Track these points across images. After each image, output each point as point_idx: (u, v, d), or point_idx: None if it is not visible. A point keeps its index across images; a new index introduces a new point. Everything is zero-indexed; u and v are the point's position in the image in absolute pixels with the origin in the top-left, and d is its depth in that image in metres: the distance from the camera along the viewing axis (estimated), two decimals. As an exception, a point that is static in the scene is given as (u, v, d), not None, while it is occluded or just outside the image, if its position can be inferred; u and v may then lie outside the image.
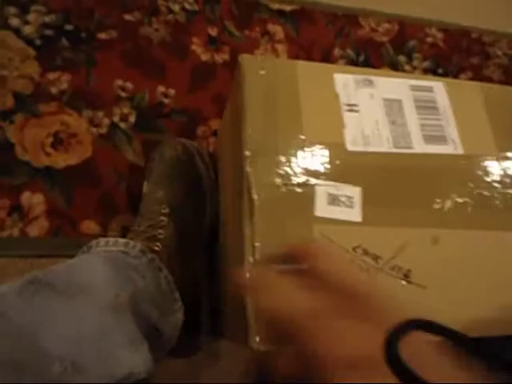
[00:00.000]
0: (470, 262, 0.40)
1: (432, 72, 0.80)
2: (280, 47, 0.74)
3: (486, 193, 0.43)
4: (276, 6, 0.77)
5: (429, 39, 0.83)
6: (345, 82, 0.44)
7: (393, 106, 0.44)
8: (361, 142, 0.41)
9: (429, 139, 0.44)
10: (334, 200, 0.39)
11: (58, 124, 0.59)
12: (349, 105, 0.43)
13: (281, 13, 0.77)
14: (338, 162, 0.40)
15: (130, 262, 0.41)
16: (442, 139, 0.44)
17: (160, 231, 0.47)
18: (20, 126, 0.58)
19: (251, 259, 0.35)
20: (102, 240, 0.43)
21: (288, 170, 0.39)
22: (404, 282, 0.37)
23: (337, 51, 0.77)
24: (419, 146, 0.43)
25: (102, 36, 0.66)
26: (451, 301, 0.38)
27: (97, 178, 0.58)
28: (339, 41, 0.78)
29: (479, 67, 0.84)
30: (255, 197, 0.37)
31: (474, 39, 0.87)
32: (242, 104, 0.41)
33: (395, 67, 0.78)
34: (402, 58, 0.80)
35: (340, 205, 0.39)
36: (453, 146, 0.44)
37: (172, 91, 0.66)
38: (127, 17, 0.69)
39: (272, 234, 0.36)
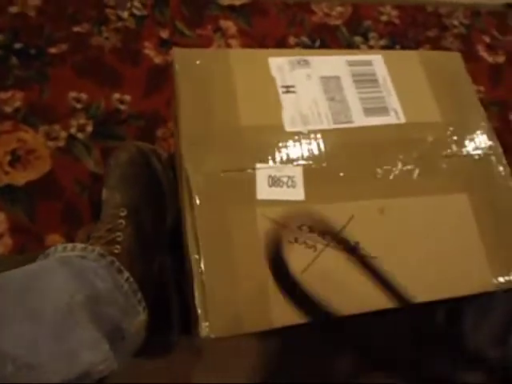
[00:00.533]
0: (417, 228, 0.40)
1: (389, 48, 0.80)
2: (233, 42, 0.74)
3: (430, 158, 0.43)
4: (226, 2, 0.77)
5: (383, 17, 0.83)
6: (280, 64, 0.44)
7: (330, 83, 0.44)
8: (299, 122, 0.41)
9: (369, 112, 0.44)
10: (275, 181, 0.39)
11: (14, 142, 0.59)
12: (285, 86, 0.43)
13: (232, 8, 0.77)
14: (277, 144, 0.40)
15: (87, 266, 0.41)
16: (383, 110, 0.44)
17: (119, 234, 0.48)
18: (-24, 147, 0.58)
19: (195, 256, 0.35)
20: (60, 246, 0.44)
21: (226, 156, 0.39)
22: (352, 254, 0.37)
23: (291, 40, 0.77)
24: (360, 120, 0.43)
25: (53, 50, 0.66)
26: (400, 268, 0.38)
27: (58, 191, 0.58)
28: (293, 29, 0.78)
29: (437, 39, 0.84)
30: (193, 187, 0.37)
31: (429, 12, 0.87)
32: (176, 97, 0.41)
33: (351, 48, 0.78)
34: (358, 39, 0.80)
35: (282, 185, 0.39)
36: (395, 116, 0.44)
37: (127, 97, 0.66)
38: (76, 29, 0.69)
39: (214, 223, 0.36)
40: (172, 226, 0.54)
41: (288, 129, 0.41)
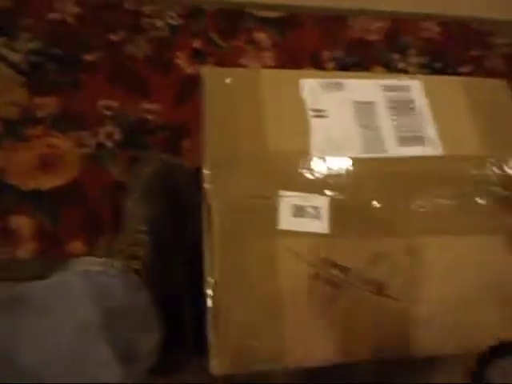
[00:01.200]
0: (451, 269, 0.37)
1: (428, 67, 0.77)
2: (266, 54, 0.73)
3: (468, 195, 0.40)
4: (261, 14, 0.76)
5: (424, 33, 0.80)
6: (311, 86, 0.42)
7: (364, 109, 0.42)
8: (328, 149, 0.40)
9: (404, 141, 0.41)
10: (299, 211, 0.37)
11: (44, 147, 0.60)
12: (315, 110, 0.41)
13: (266, 20, 0.76)
14: (303, 171, 0.38)
15: (107, 282, 0.41)
16: (418, 140, 0.42)
17: (140, 249, 0.47)
18: (7, 150, 0.59)
19: (211, 279, 0.34)
20: (81, 258, 0.44)
21: (250, 181, 0.37)
22: (376, 296, 0.35)
23: (325, 54, 0.75)
24: (393, 149, 0.41)
25: (88, 58, 0.67)
26: (428, 313, 0.35)
27: (83, 198, 0.59)
28: (328, 43, 0.76)
29: (480, 59, 0.80)
30: (214, 210, 0.36)
31: (473, 29, 0.83)
32: (204, 116, 0.40)
33: (388, 66, 0.75)
34: (395, 56, 0.77)
35: (306, 216, 0.37)
36: (431, 147, 0.42)
37: (157, 107, 0.66)
38: (112, 37, 0.69)
39: (232, 250, 0.35)
40: (192, 242, 0.54)
41: (316, 155, 0.39)
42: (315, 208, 0.37)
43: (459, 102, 0.44)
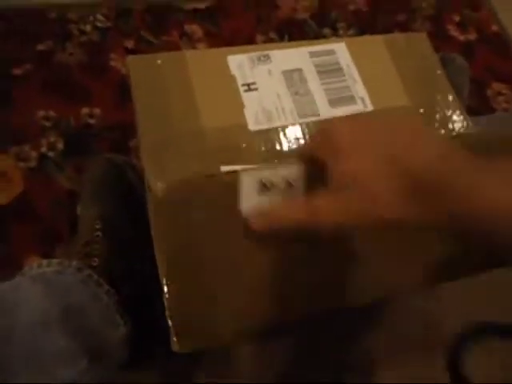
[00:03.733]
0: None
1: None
2: (201, 46, 0.73)
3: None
4: (190, 6, 0.76)
5: (351, 6, 0.83)
6: (240, 62, 0.43)
7: (293, 77, 0.43)
8: (263, 120, 0.41)
9: (335, 102, 0.43)
10: (266, 187, 0.37)
11: (-16, 167, 0.58)
12: (246, 84, 0.42)
13: (196, 11, 0.76)
14: (242, 145, 0.39)
15: (64, 281, 0.41)
16: (349, 100, 0.43)
17: (96, 246, 0.47)
18: None
19: (164, 269, 0.34)
20: (35, 263, 0.43)
21: (189, 161, 0.38)
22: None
23: (259, 38, 0.76)
24: (326, 111, 0.42)
25: (17, 71, 0.65)
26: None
27: (33, 212, 0.57)
28: (260, 27, 0.77)
29: (406, 23, 0.83)
30: (156, 196, 0.36)
31: (396, -3, 0.86)
32: (134, 105, 0.40)
33: (321, 41, 0.77)
34: (326, 31, 0.79)
35: (274, 191, 0.37)
36: (362, 105, 0.43)
37: (97, 110, 0.65)
38: (39, 47, 0.68)
39: (179, 233, 0.35)
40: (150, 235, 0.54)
41: (252, 128, 0.40)
42: (286, 181, 0.34)
43: (383, 57, 0.46)
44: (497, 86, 0.81)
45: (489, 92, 0.80)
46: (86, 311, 0.39)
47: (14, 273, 0.54)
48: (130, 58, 0.41)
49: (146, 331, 0.47)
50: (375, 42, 0.48)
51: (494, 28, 0.87)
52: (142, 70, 0.41)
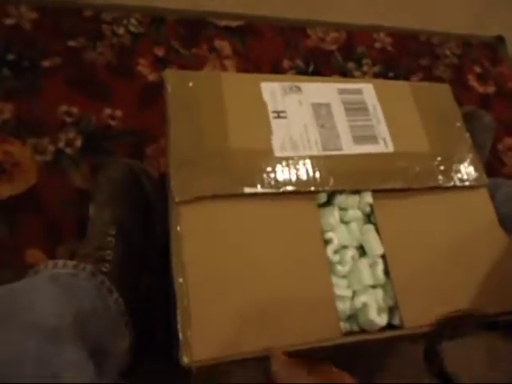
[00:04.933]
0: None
1: (382, 76, 0.81)
2: (228, 63, 0.75)
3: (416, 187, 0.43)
4: (223, 23, 0.78)
5: (377, 44, 0.85)
6: (272, 89, 0.44)
7: (321, 110, 0.44)
8: (289, 147, 0.41)
9: (358, 140, 0.44)
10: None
11: (0, 154, 0.58)
12: (276, 112, 0.43)
13: (227, 29, 0.77)
14: (266, 169, 0.40)
15: (78, 285, 0.41)
16: (372, 139, 0.44)
17: (108, 252, 0.47)
18: (-39, 158, 0.57)
19: (181, 280, 0.34)
20: (51, 262, 0.43)
21: (214, 179, 0.38)
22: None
23: (286, 63, 0.77)
24: (349, 147, 0.43)
25: (46, 63, 0.66)
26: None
27: (42, 205, 0.57)
28: (288, 52, 0.79)
29: (429, 68, 0.85)
30: (180, 209, 0.36)
31: (422, 41, 0.89)
32: (167, 118, 0.41)
33: (345, 74, 0.79)
34: (351, 65, 0.81)
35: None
36: (384, 145, 0.44)
37: (119, 113, 0.65)
38: (71, 43, 0.69)
39: (201, 246, 0.36)
40: (161, 246, 0.53)
41: (278, 154, 0.41)
42: None
43: (407, 103, 0.48)
44: (509, 140, 0.82)
45: (500, 146, 0.81)
46: (96, 319, 0.38)
47: (14, 261, 0.54)
48: (168, 71, 0.42)
49: (144, 344, 0.47)
50: (401, 87, 0.49)
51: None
52: (178, 85, 0.41)
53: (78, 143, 0.62)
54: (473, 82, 0.86)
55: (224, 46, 0.76)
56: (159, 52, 0.72)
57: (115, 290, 0.42)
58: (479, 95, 0.85)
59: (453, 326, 0.25)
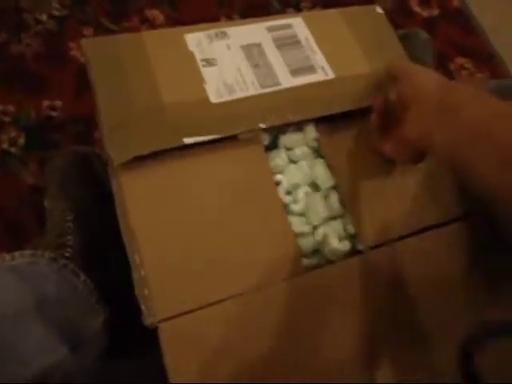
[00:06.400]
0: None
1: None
2: (163, 31, 0.72)
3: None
4: (150, -9, 0.74)
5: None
6: (197, 39, 0.42)
7: (252, 51, 0.43)
8: (225, 92, 0.40)
9: (296, 72, 0.42)
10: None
11: None
12: (205, 60, 0.41)
13: (156, -3, 0.74)
14: (205, 117, 0.38)
15: (38, 271, 0.40)
16: (309, 69, 0.43)
17: (69, 237, 0.46)
18: None
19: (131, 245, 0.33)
20: (8, 255, 0.42)
21: (152, 136, 0.37)
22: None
23: (224, 20, 0.75)
24: (287, 81, 0.42)
25: (-29, 65, 0.63)
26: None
27: (-3, 209, 0.55)
28: (223, 10, 0.76)
29: (369, 0, 0.84)
30: (119, 173, 0.35)
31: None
32: (93, 87, 0.39)
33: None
34: (290, 11, 0.79)
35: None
36: (323, 73, 0.43)
37: (59, 102, 0.63)
38: (-7, 39, 0.65)
39: (151, 214, 0.35)
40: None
41: (214, 100, 0.39)
42: None
43: (340, 30, 0.46)
44: (460, 60, 0.82)
45: (452, 66, 0.81)
46: (63, 300, 0.38)
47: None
48: (85, 40, 0.40)
49: (124, 319, 0.46)
50: (331, 15, 0.48)
51: (456, 3, 0.89)
52: (99, 53, 0.40)
53: (22, 141, 0.60)
54: (415, 7, 0.85)
55: (155, 14, 0.73)
56: (88, 32, 0.69)
57: (81, 272, 0.42)
58: (423, 19, 0.84)
59: (489, 332, 0.25)
